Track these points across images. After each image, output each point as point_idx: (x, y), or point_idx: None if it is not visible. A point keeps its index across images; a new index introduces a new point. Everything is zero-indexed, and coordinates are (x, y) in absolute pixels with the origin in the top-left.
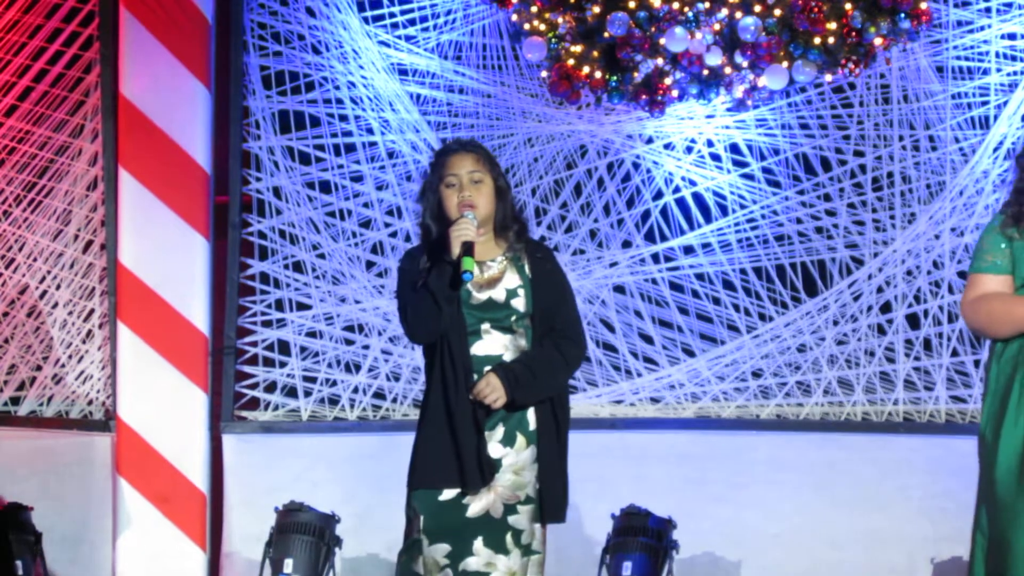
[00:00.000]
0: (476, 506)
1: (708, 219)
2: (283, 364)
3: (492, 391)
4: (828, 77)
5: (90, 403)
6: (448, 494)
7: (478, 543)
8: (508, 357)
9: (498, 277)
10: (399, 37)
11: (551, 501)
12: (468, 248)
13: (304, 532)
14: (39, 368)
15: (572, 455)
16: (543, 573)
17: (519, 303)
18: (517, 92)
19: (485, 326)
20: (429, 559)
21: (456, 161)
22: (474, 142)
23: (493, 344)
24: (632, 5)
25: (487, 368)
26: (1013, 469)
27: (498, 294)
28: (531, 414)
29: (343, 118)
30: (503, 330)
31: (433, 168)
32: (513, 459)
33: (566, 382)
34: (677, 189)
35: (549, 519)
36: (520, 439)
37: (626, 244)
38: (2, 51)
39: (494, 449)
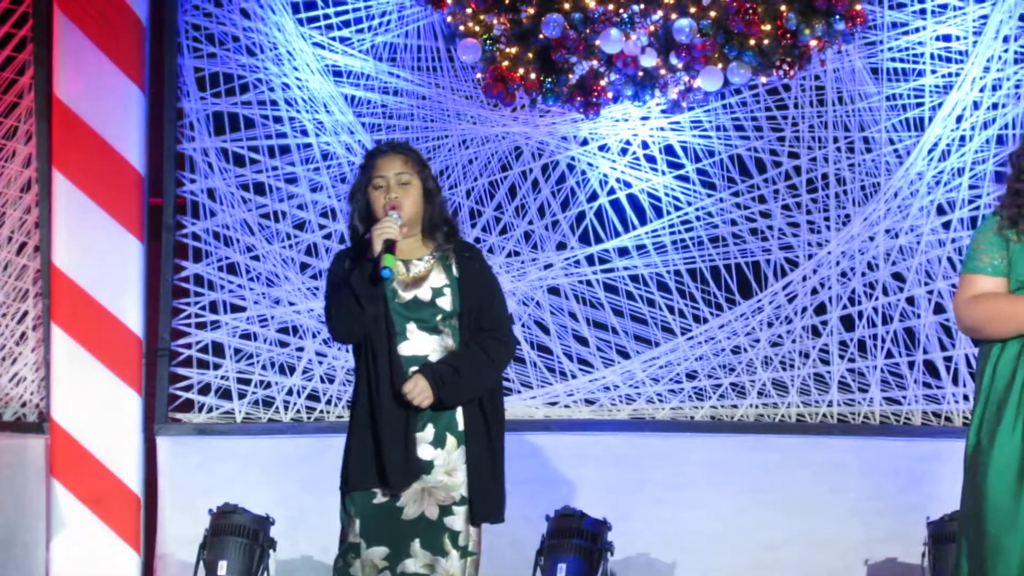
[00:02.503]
0: (411, 508)
1: (643, 221)
2: (217, 366)
3: (419, 392)
4: (763, 79)
5: (24, 405)
6: (383, 497)
7: (416, 545)
8: (434, 358)
9: (424, 276)
10: (334, 39)
11: (481, 501)
12: (389, 246)
13: (238, 534)
14: None
15: (506, 456)
16: (478, 574)
17: (445, 302)
18: (452, 94)
19: (411, 326)
20: (367, 562)
21: (384, 163)
22: (404, 144)
23: (419, 344)
24: (567, 7)
25: (413, 368)
26: (1009, 474)
27: (424, 293)
28: (460, 414)
29: (277, 120)
30: (429, 330)
31: (362, 170)
32: (444, 460)
33: (494, 381)
34: (612, 191)
35: (480, 519)
36: (450, 440)
37: (561, 246)
38: None
39: (425, 451)
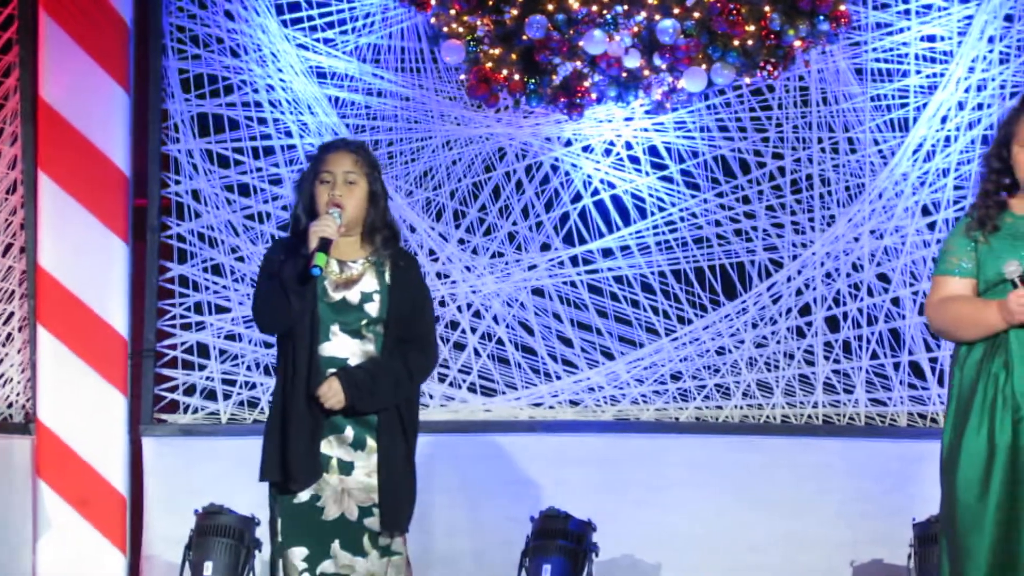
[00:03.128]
0: (332, 509)
1: (627, 222)
2: (202, 367)
3: (333, 395)
4: (747, 80)
5: (10, 406)
6: (303, 497)
7: (335, 546)
8: (354, 361)
9: (356, 279)
10: (318, 40)
11: (389, 510)
12: (324, 244)
13: (224, 535)
14: None
15: (491, 457)
16: (410, 574)
17: (372, 308)
18: (436, 95)
19: (335, 327)
20: (288, 563)
21: (334, 158)
22: (358, 143)
23: (340, 347)
24: (550, 8)
25: (331, 370)
26: (974, 476)
27: (353, 296)
28: (377, 419)
29: (262, 121)
30: (352, 333)
31: (312, 161)
32: (364, 462)
33: (410, 393)
34: (596, 192)
35: (386, 527)
36: (370, 442)
37: (545, 247)
38: None
39: (344, 452)
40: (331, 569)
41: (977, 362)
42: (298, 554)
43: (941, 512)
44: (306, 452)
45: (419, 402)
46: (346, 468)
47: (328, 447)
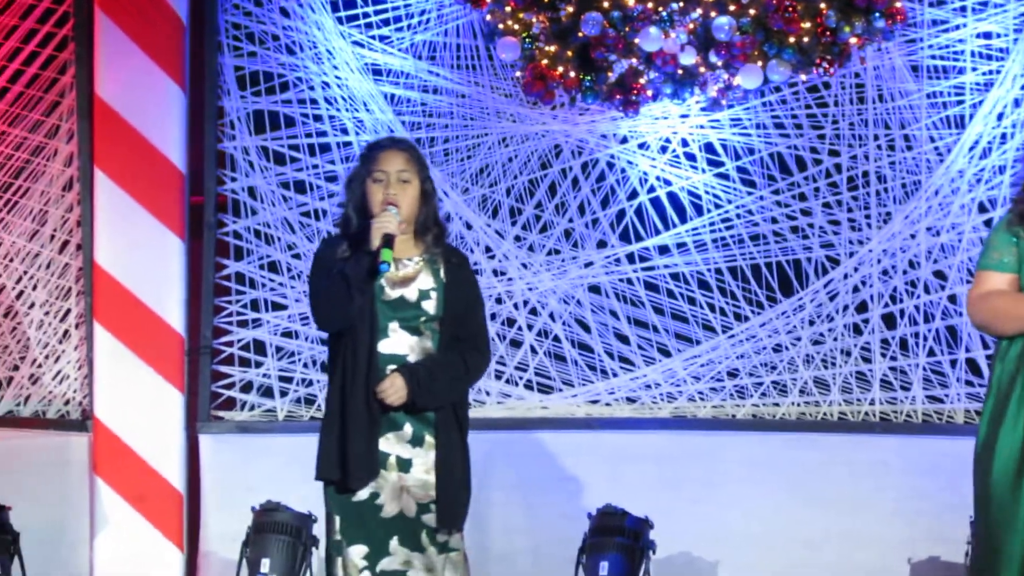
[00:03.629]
0: (390, 506)
1: (683, 219)
2: (259, 364)
3: (395, 391)
4: (803, 76)
5: (67, 403)
6: (361, 495)
7: (394, 542)
8: (412, 358)
9: (412, 277)
10: (373, 37)
11: (446, 507)
12: (388, 240)
13: (281, 532)
14: (16, 368)
15: (548, 455)
16: (467, 571)
17: (430, 305)
18: (491, 92)
19: (393, 324)
20: (348, 561)
21: (386, 157)
22: (407, 141)
23: (399, 343)
24: (606, 5)
25: (391, 367)
26: (1009, 471)
27: (410, 293)
28: (434, 417)
29: (317, 118)
30: (410, 330)
31: (363, 160)
32: (423, 459)
33: (466, 390)
34: (652, 189)
35: (444, 525)
36: (428, 439)
37: (601, 244)
38: None
39: (403, 449)
40: (391, 566)
41: (1017, 356)
42: (358, 552)
43: (974, 506)
44: (365, 450)
45: (468, 401)
46: (405, 465)
47: (387, 444)
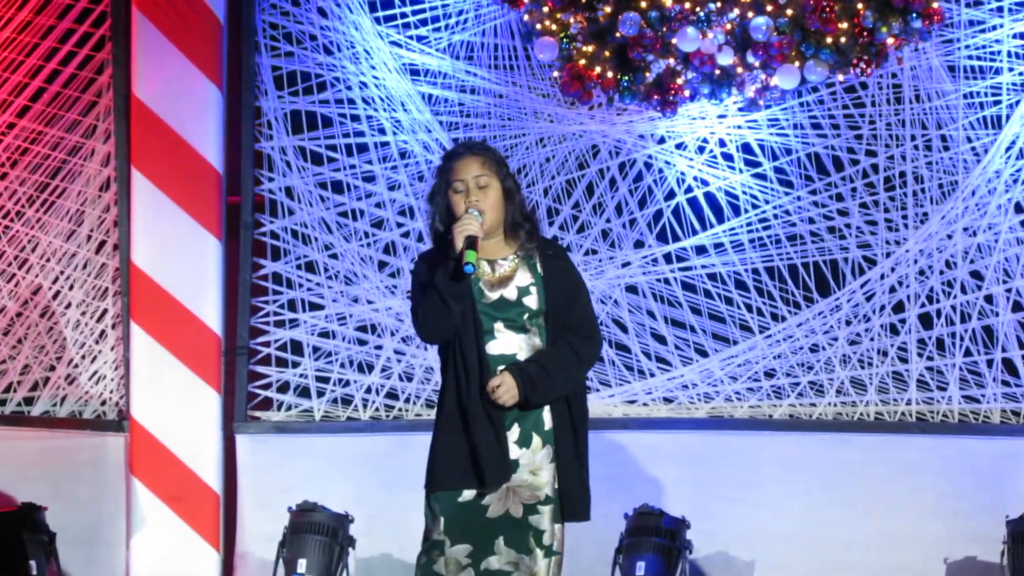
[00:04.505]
0: (496, 507)
1: (720, 219)
2: (296, 364)
3: (506, 390)
4: (840, 77)
5: (103, 403)
6: (467, 495)
7: (499, 543)
8: (522, 356)
9: (510, 276)
10: (411, 37)
11: (572, 499)
12: (471, 242)
13: (318, 532)
14: (52, 368)
15: None
16: (560, 574)
17: (531, 301)
18: (529, 92)
19: (498, 325)
20: (451, 559)
21: (462, 166)
22: (481, 144)
23: (507, 343)
24: (644, 5)
25: (501, 368)
26: None
27: (510, 292)
28: (546, 413)
29: (355, 118)
30: (516, 329)
31: (440, 172)
32: (529, 459)
33: (581, 380)
34: (689, 189)
35: (571, 518)
36: (536, 439)
37: (638, 244)
38: (14, 52)
39: (510, 450)
40: (495, 565)
41: None
42: (461, 551)
43: None
44: (497, 452)
45: (585, 395)
46: (512, 466)
47: None
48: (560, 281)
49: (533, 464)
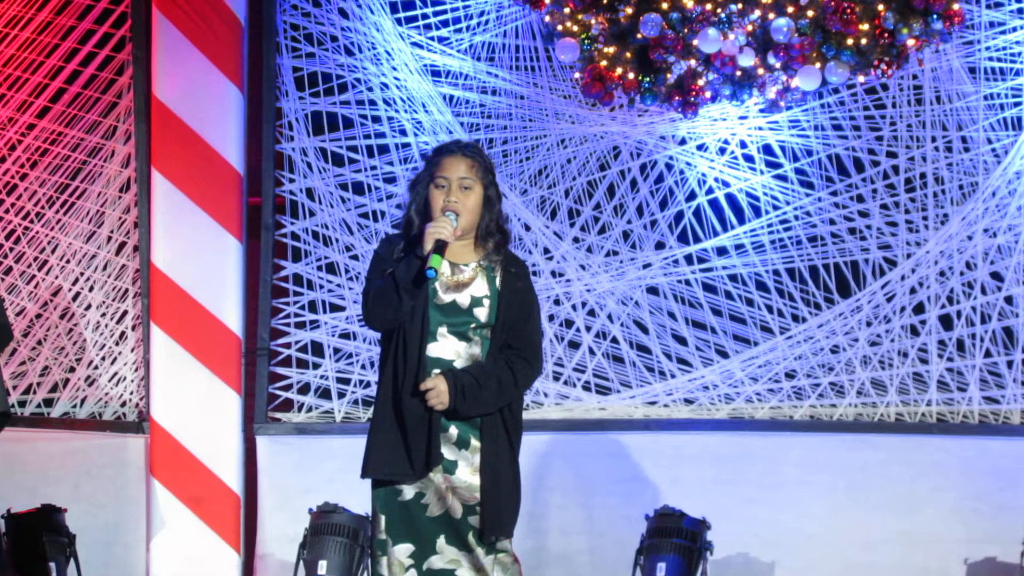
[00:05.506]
0: (436, 507)
1: (741, 220)
2: (316, 366)
3: (437, 395)
4: (861, 78)
5: (123, 405)
6: (408, 494)
7: (441, 541)
8: (459, 363)
9: (467, 283)
10: (432, 39)
11: (491, 514)
12: (440, 247)
13: (338, 534)
14: (72, 370)
15: (605, 456)
16: (519, 572)
17: (481, 312)
18: (550, 93)
19: (442, 329)
20: (394, 560)
21: (450, 163)
22: (473, 147)
23: (446, 348)
24: (665, 6)
25: (436, 371)
26: None
27: (463, 299)
28: (480, 421)
29: (376, 119)
30: (459, 336)
31: (427, 164)
32: (468, 460)
33: (513, 400)
34: (710, 190)
35: (490, 532)
36: (474, 441)
37: (659, 245)
38: (35, 53)
39: (448, 451)
40: (438, 564)
41: None
42: (403, 551)
43: None
44: (425, 441)
45: (521, 406)
46: (450, 467)
47: None
48: (515, 300)
49: (472, 465)
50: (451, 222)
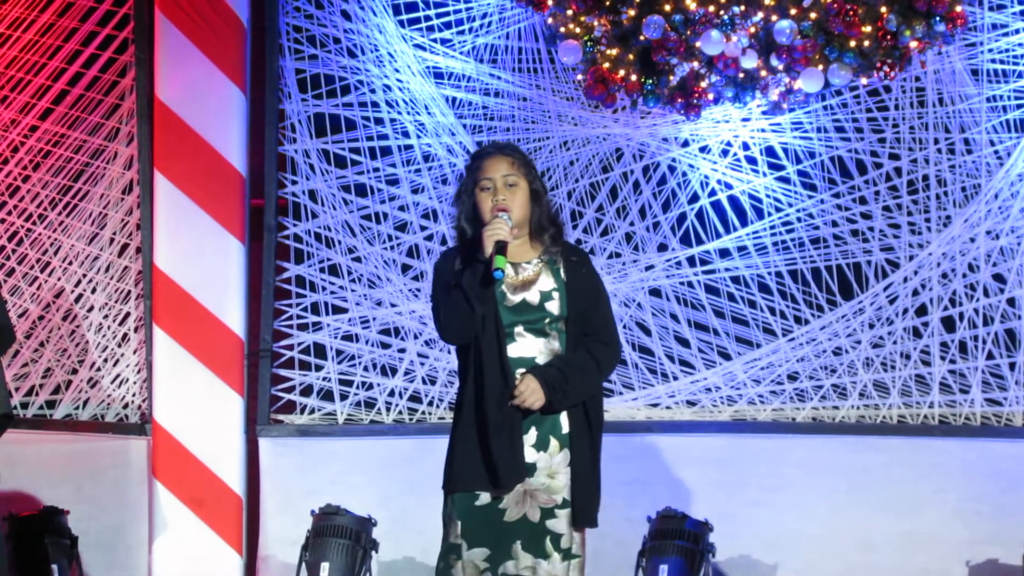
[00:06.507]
0: (513, 511)
1: (744, 222)
2: (319, 367)
3: (531, 394)
4: (863, 80)
5: (126, 407)
6: (484, 499)
7: (517, 547)
8: (541, 360)
9: (533, 279)
10: (435, 40)
11: (583, 506)
12: (501, 247)
13: (340, 536)
14: (75, 372)
15: (608, 458)
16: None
17: (553, 306)
18: (553, 95)
19: (519, 328)
20: (468, 563)
21: (491, 165)
22: (510, 145)
23: (527, 346)
24: (668, 8)
25: (520, 371)
26: None
27: (532, 296)
28: (564, 418)
29: (379, 121)
30: (536, 333)
31: (468, 171)
32: (547, 463)
33: (600, 386)
34: (713, 192)
35: (581, 524)
36: (553, 443)
37: (662, 247)
38: (37, 55)
39: (527, 453)
40: (512, 570)
41: None
42: (479, 555)
43: None
44: (511, 454)
45: (602, 399)
46: (529, 469)
47: None
48: (582, 287)
49: (551, 468)
50: (506, 221)
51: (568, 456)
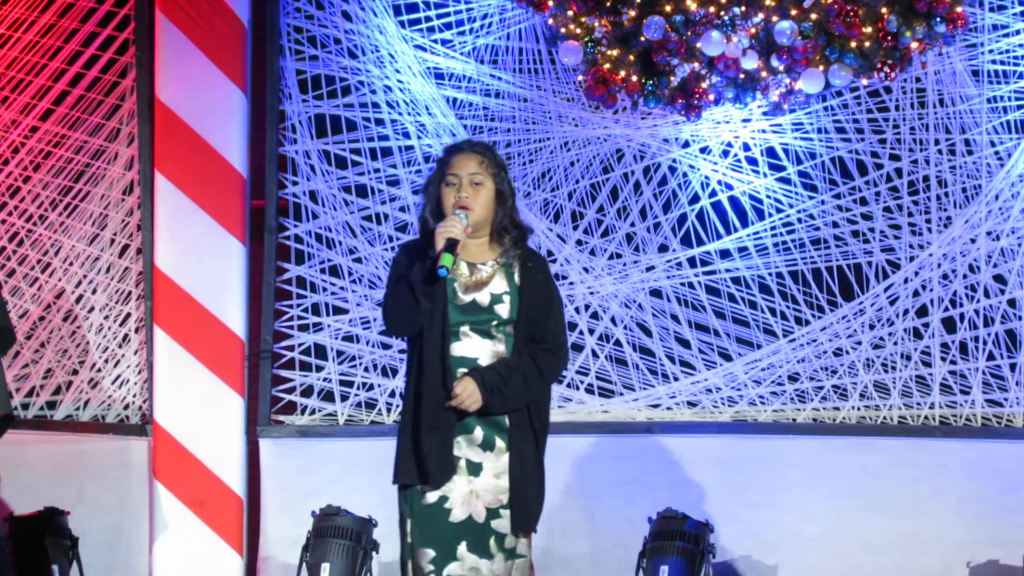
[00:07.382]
0: (459, 511)
1: (744, 223)
2: (320, 368)
3: (468, 396)
4: (864, 81)
5: (126, 407)
6: (431, 498)
7: (462, 548)
8: (484, 361)
9: (486, 281)
10: (435, 41)
11: (520, 510)
12: (451, 245)
13: (341, 536)
14: (75, 372)
15: (608, 458)
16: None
17: (502, 309)
18: (553, 96)
19: (465, 328)
20: (416, 565)
21: (460, 161)
22: (483, 144)
23: (471, 347)
24: (668, 9)
25: (462, 370)
26: None
27: (483, 298)
28: (507, 420)
29: (379, 122)
30: (482, 334)
31: (438, 164)
32: (493, 463)
33: (541, 393)
34: (713, 193)
35: (517, 527)
36: (499, 443)
37: (663, 248)
38: (38, 55)
39: (473, 453)
40: (457, 571)
41: None
42: (425, 556)
43: None
44: (440, 450)
45: (549, 402)
46: (475, 469)
47: (457, 448)
48: (535, 294)
49: (496, 468)
50: (461, 220)
51: (508, 460)
